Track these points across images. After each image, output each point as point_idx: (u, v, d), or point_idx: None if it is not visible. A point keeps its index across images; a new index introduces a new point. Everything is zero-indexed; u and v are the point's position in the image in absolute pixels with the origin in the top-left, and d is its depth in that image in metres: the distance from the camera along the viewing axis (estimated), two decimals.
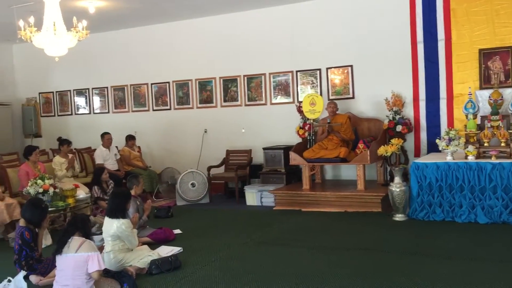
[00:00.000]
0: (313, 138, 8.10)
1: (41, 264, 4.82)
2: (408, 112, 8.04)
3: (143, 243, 5.54)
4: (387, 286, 4.18)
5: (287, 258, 5.09)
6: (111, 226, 4.91)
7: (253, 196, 8.16)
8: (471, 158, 6.33)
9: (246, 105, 9.39)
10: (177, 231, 6.41)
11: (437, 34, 7.77)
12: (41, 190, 6.30)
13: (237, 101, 9.47)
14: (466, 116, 6.74)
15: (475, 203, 6.20)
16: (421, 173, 6.50)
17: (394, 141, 7.04)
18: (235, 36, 9.34)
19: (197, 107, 9.86)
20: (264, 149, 8.65)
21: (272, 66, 9.09)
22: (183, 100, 10.00)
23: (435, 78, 7.82)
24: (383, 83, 8.11)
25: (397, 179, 6.58)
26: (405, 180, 6.75)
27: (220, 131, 9.58)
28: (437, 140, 6.67)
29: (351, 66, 8.48)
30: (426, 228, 6.08)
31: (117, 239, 4.92)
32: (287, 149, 8.25)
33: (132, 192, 5.89)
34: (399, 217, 6.52)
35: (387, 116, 7.93)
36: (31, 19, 6.32)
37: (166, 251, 5.39)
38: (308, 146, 8.02)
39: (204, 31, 9.62)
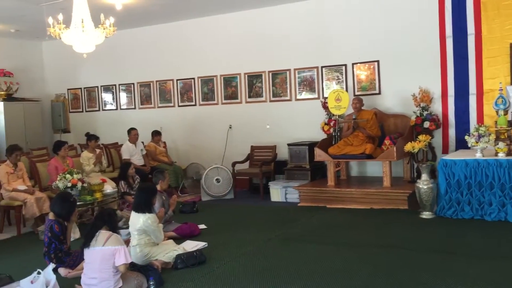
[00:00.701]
0: (338, 134, 8.03)
1: (69, 257, 4.92)
2: (436, 108, 7.89)
3: (169, 238, 5.59)
4: (413, 284, 4.12)
5: (312, 255, 5.07)
6: (138, 221, 4.98)
7: (277, 192, 8.15)
8: (501, 155, 6.18)
9: (270, 101, 9.37)
10: (202, 226, 6.45)
11: (467, 28, 7.59)
12: (69, 184, 6.44)
13: (262, 97, 9.45)
14: (497, 112, 6.60)
15: (506, 201, 6.05)
16: (450, 170, 6.38)
17: (421, 137, 6.92)
18: (260, 31, 9.32)
19: (222, 103, 9.88)
20: (289, 145, 8.61)
21: (297, 61, 9.04)
22: (208, 96, 10.03)
23: (465, 73, 7.65)
24: (410, 78, 7.98)
25: (424, 176, 6.46)
26: (432, 177, 6.63)
27: (245, 127, 9.58)
28: (466, 137, 6.51)
29: (378, 61, 8.36)
30: (454, 226, 5.97)
31: (143, 233, 4.98)
32: (312, 145, 8.20)
33: (158, 187, 5.95)
34: (426, 214, 6.42)
35: (414, 112, 7.80)
36: (60, 17, 6.43)
37: (191, 246, 5.42)
38: (333, 142, 7.96)
39: (228, 27, 9.63)
